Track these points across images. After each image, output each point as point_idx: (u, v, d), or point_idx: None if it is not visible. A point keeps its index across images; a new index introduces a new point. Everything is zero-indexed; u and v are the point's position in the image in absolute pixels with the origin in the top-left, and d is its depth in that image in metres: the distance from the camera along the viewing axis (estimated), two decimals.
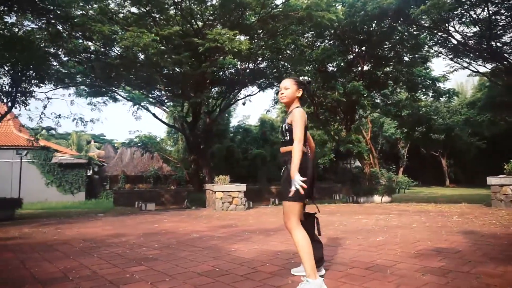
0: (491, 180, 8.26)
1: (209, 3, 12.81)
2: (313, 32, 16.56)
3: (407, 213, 7.64)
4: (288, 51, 16.30)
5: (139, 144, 18.27)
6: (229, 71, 18.17)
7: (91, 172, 24.51)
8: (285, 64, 16.61)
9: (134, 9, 12.29)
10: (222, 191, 9.90)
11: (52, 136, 39.93)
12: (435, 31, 14.20)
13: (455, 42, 14.47)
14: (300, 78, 2.83)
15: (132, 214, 10.28)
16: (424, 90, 19.26)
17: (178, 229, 5.97)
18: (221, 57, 11.81)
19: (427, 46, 16.05)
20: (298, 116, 2.50)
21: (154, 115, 15.14)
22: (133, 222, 7.32)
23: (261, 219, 7.43)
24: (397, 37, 16.12)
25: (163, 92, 16.15)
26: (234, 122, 32.23)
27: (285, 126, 2.60)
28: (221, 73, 17.88)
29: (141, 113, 21.11)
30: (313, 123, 23.04)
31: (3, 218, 10.95)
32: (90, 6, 10.99)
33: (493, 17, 13.15)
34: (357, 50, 17.57)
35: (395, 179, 30.70)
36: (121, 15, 12.26)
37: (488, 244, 3.89)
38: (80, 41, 12.65)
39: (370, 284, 2.57)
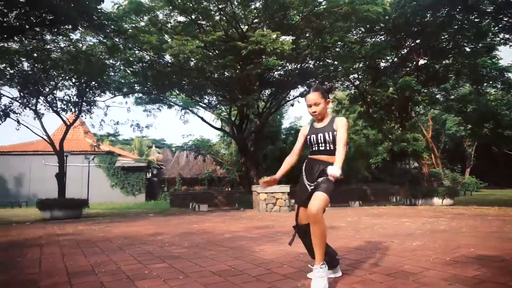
0: None
1: (252, 6, 12.94)
2: (362, 28, 15.99)
3: (461, 216, 6.99)
4: (336, 49, 15.87)
5: (192, 148, 18.99)
6: (278, 72, 18.20)
7: (150, 175, 26.02)
8: (334, 62, 16.20)
9: (181, 18, 12.84)
10: (266, 193, 9.90)
11: (117, 141, 43.19)
12: (500, 16, 12.86)
13: None
14: (319, 85, 2.76)
15: (181, 214, 10.70)
16: (491, 82, 17.56)
17: (215, 229, 6.08)
18: (265, 59, 11.83)
19: (491, 34, 14.58)
20: (346, 124, 2.61)
21: (202, 119, 15.66)
22: (176, 222, 7.61)
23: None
24: (456, 27, 14.89)
25: (212, 97, 16.66)
26: (286, 123, 32.10)
27: (332, 133, 2.59)
28: (270, 75, 17.95)
29: (191, 117, 22.19)
30: (366, 122, 22.17)
31: (72, 216, 12.09)
32: (140, 19, 11.70)
33: None
34: (411, 43, 16.56)
35: (461, 180, 28.40)
36: (169, 25, 12.87)
37: None
38: (137, 51, 13.52)
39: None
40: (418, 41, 16.11)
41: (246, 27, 13.56)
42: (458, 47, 15.91)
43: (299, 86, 19.31)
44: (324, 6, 12.03)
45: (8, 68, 13.89)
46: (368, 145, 26.22)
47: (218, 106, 16.01)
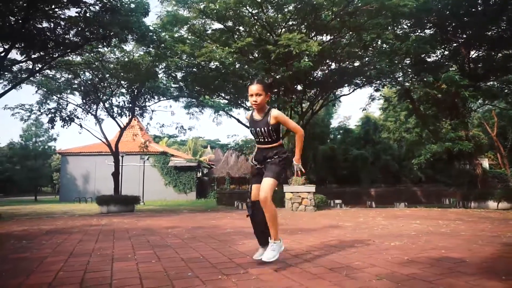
0: None
1: (286, 10, 13.20)
2: (407, 23, 15.40)
3: (484, 220, 6.64)
4: (376, 45, 15.45)
5: (235, 148, 19.74)
6: (322, 72, 18.15)
7: (200, 174, 27.39)
8: (374, 59, 15.78)
9: (218, 25, 13.52)
10: (292, 192, 10.13)
11: (175, 142, 45.85)
12: None
13: None
14: (265, 79, 3.19)
15: (217, 211, 11.33)
16: None
17: (225, 225, 6.53)
18: (295, 62, 12.03)
19: None
20: (282, 114, 2.96)
21: (238, 120, 16.26)
22: (200, 218, 8.21)
23: (316, 220, 7.45)
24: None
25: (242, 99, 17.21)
26: (334, 123, 31.64)
27: (270, 127, 2.93)
28: (312, 75, 17.98)
29: (221, 119, 23.02)
30: (414, 119, 21.11)
31: (125, 211, 13.40)
32: (179, 29, 12.61)
33: None
34: (459, 35, 15.52)
35: None
36: (207, 33, 13.63)
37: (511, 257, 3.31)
38: (178, 59, 14.53)
39: (306, 281, 2.62)
40: (469, 32, 15.06)
41: (282, 30, 13.84)
42: None
43: (346, 85, 19.05)
44: (355, 5, 11.86)
45: (73, 79, 15.80)
46: (421, 144, 24.87)
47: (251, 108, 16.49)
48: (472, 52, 15.87)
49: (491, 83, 17.25)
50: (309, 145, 24.38)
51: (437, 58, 16.63)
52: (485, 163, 26.73)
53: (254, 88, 2.94)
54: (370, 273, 2.83)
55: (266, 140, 2.98)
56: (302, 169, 3.17)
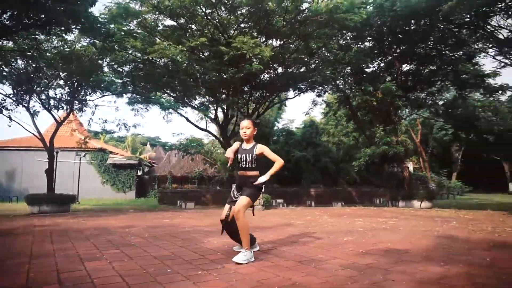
0: None
1: (239, 12, 13.43)
2: (349, 34, 16.51)
3: (415, 217, 7.52)
4: (321, 54, 16.37)
5: (181, 147, 19.47)
6: (267, 75, 18.67)
7: (140, 172, 26.48)
8: (319, 66, 16.71)
9: (170, 22, 13.31)
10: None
11: (112, 139, 43.61)
12: (474, 27, 13.39)
13: (502, 37, 13.48)
14: (254, 119, 3.69)
15: (161, 211, 11.17)
16: (474, 87, 18.08)
17: (182, 224, 6.58)
18: (247, 64, 12.32)
19: (470, 43, 15.12)
20: (267, 148, 3.54)
21: (187, 119, 16.16)
22: (151, 217, 8.10)
23: (266, 218, 7.80)
24: (438, 35, 15.42)
25: (202, 98, 17.13)
26: (279, 126, 32.61)
27: (253, 155, 3.47)
28: (259, 78, 18.44)
29: (171, 117, 22.73)
30: (352, 125, 22.72)
31: (59, 211, 12.53)
32: (129, 23, 12.18)
33: None
34: (394, 50, 17.09)
35: (446, 184, 28.96)
36: (158, 28, 13.33)
37: (445, 247, 3.92)
38: (126, 53, 13.97)
39: (284, 273, 2.88)
40: (403, 47, 16.65)
41: (234, 32, 14.05)
42: (441, 54, 16.44)
43: (290, 89, 19.80)
44: (306, 14, 12.51)
45: (3, 66, 14.37)
46: (357, 148, 26.73)
47: (202, 107, 16.47)
48: (404, 66, 17.56)
49: (418, 94, 19.23)
50: None
51: (374, 69, 18.11)
52: (410, 166, 29.63)
53: (245, 123, 3.55)
54: (334, 264, 3.18)
55: (247, 166, 3.47)
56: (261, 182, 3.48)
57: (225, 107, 15.33)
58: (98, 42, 12.77)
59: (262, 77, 18.55)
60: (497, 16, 12.88)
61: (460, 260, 3.28)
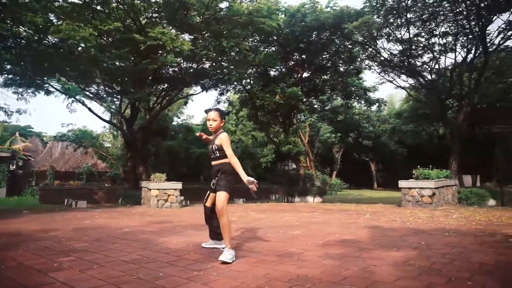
0: (402, 183, 9.41)
1: (153, 0, 12.72)
2: (257, 37, 17.19)
3: (330, 211, 8.43)
4: (232, 54, 16.69)
5: (72, 139, 17.36)
6: (172, 69, 18.07)
7: (14, 166, 22.68)
8: (229, 66, 16.99)
9: None
10: (158, 189, 9.97)
11: None
12: (366, 47, 15.55)
13: (383, 58, 16.00)
14: (222, 109, 3.85)
15: (61, 211, 9.89)
16: (357, 98, 20.85)
17: (110, 224, 6.03)
18: (163, 56, 11.79)
19: (360, 59, 17.48)
20: (225, 139, 3.43)
21: (90, 109, 14.55)
22: (62, 218, 7.16)
23: (194, 216, 7.70)
24: (334, 49, 17.35)
25: (101, 87, 15.59)
26: (178, 121, 31.83)
27: (214, 146, 3.47)
28: (163, 71, 17.72)
29: (76, 106, 20.03)
30: (254, 125, 23.74)
31: None
32: None
33: (415, 39, 14.82)
34: (297, 57, 18.55)
35: (329, 181, 32.69)
36: (57, 3, 11.64)
37: (383, 235, 4.61)
38: (9, 25, 11.79)
39: (278, 267, 3.02)
40: (304, 56, 18.19)
41: (145, 20, 13.23)
42: (335, 66, 18.54)
43: (193, 85, 19.58)
44: (225, 13, 12.62)
45: None
46: (255, 146, 28.01)
47: (105, 96, 15.06)
48: (303, 73, 19.20)
49: (312, 100, 21.28)
50: (149, 140, 23.77)
51: (279, 73, 19.30)
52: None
53: (212, 114, 3.49)
54: (312, 256, 3.46)
55: (213, 156, 3.53)
56: (254, 181, 3.41)
57: (134, 100, 14.28)
58: None
59: (166, 70, 17.92)
60: (382, 39, 15.24)
61: (404, 245, 3.92)
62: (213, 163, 3.54)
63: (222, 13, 12.68)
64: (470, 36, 13.59)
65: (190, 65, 17.54)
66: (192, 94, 22.16)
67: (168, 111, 26.22)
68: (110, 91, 15.15)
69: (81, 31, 9.64)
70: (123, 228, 5.54)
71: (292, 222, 6.21)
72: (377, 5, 12.83)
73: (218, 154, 3.48)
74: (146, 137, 17.97)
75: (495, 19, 12.76)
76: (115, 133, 28.62)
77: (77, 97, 14.10)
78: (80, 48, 12.31)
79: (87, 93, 15.11)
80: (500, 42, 13.02)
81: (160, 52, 12.60)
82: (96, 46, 10.92)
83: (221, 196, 3.36)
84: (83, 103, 14.49)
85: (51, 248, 3.90)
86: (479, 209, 8.99)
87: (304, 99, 16.25)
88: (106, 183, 23.86)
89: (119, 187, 21.51)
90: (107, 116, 18.77)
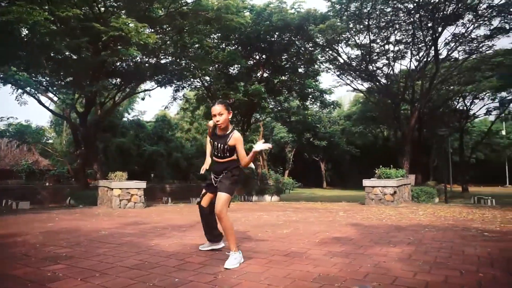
0: (366, 182, 9.85)
1: None
2: (219, 34, 16.95)
3: (300, 210, 8.56)
4: (193, 50, 16.28)
5: (12, 134, 15.78)
6: (127, 63, 17.18)
7: None
8: (190, 62, 16.56)
9: None
10: (120, 188, 9.43)
11: None
12: (327, 49, 16.06)
13: (342, 61, 16.66)
14: (224, 100, 3.58)
15: (8, 213, 8.95)
16: (313, 100, 21.42)
17: (80, 227, 5.56)
18: (124, 48, 11.15)
19: (319, 62, 17.99)
20: (241, 140, 3.18)
21: (39, 101, 13.29)
22: (18, 222, 6.47)
23: (166, 216, 7.40)
24: (295, 50, 17.68)
25: (47, 78, 14.34)
26: (129, 117, 30.41)
27: (227, 146, 3.17)
28: (118, 64, 16.79)
29: (26, 99, 18.05)
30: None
31: None
32: None
33: (371, 44, 15.61)
34: (258, 57, 18.63)
35: (282, 180, 33.34)
36: None
37: (370, 232, 4.77)
38: None
39: (293, 266, 2.98)
40: (264, 56, 18.30)
41: (104, 9, 12.44)
42: (294, 67, 18.89)
43: (147, 80, 18.80)
44: (191, 7, 12.27)
45: None
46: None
47: (59, 89, 13.87)
48: (263, 73, 19.32)
49: (269, 100, 21.48)
50: (102, 137, 22.45)
51: (237, 72, 19.19)
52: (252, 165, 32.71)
53: (217, 109, 3.13)
54: (318, 254, 3.47)
55: (220, 155, 3.25)
56: (267, 146, 3.12)
57: (90, 93, 13.31)
58: None
59: (121, 64, 17.03)
60: (341, 43, 15.85)
61: (397, 241, 4.09)
62: (219, 160, 3.28)
63: (188, 7, 12.33)
64: (422, 45, 14.62)
65: (147, 59, 16.84)
66: (149, 90, 21.28)
67: (119, 106, 24.95)
68: (62, 83, 14.02)
69: (35, 14, 8.77)
70: (98, 230, 5.13)
71: (272, 221, 6.20)
72: (342, 10, 13.29)
73: (228, 155, 3.22)
74: (98, 133, 16.93)
75: (443, 31, 13.87)
76: (58, 127, 26.59)
77: (27, 88, 12.82)
78: (29, 33, 11.21)
79: (39, 85, 13.82)
80: (449, 53, 14.19)
81: (121, 44, 11.91)
82: (50, 32, 10.01)
83: (223, 198, 3.17)
84: (34, 96, 13.22)
85: (31, 255, 3.49)
86: (434, 206, 9.71)
87: (267, 97, 16.33)
88: (48, 182, 22.09)
89: (66, 186, 20.07)
90: (56, 109, 17.29)
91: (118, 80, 18.25)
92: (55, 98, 13.82)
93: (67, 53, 12.98)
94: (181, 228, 5.39)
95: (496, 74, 18.76)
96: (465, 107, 23.87)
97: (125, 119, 29.12)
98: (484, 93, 22.88)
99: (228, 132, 3.19)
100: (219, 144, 3.20)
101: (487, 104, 24.40)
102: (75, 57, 12.31)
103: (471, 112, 24.69)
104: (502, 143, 35.57)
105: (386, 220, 6.14)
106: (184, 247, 3.87)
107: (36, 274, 2.78)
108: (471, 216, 6.67)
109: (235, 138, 3.15)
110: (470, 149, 29.50)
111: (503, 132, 33.93)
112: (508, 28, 14.35)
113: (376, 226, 5.41)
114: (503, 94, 23.00)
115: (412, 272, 2.76)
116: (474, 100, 23.75)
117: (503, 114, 26.02)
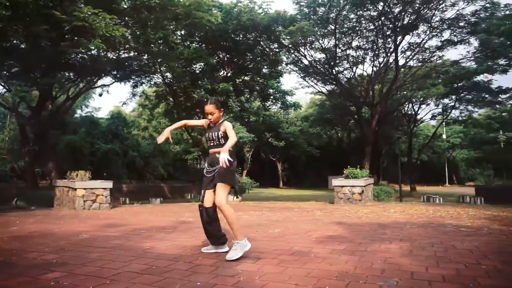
0: (335, 182, 10.15)
1: None
2: (185, 31, 16.52)
3: (275, 209, 8.60)
4: (156, 45, 15.72)
5: None
6: (82, 55, 16.15)
7: None
8: (152, 58, 15.98)
9: None
10: (85, 188, 8.83)
11: None
12: (292, 51, 16.34)
13: (307, 63, 17.06)
14: (215, 98, 3.97)
15: None
16: (274, 101, 21.71)
17: (53, 230, 5.12)
18: (87, 40, 10.48)
19: (284, 63, 18.25)
20: (230, 124, 3.48)
21: None
22: None
23: (141, 217, 7.06)
24: (259, 51, 17.76)
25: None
26: (82, 113, 28.66)
27: (220, 133, 3.39)
28: (73, 56, 15.71)
29: None
30: (170, 122, 22.82)
31: None
32: None
33: (333, 49, 16.15)
34: (222, 56, 18.47)
35: (240, 180, 33.39)
36: None
37: (358, 231, 4.92)
38: None
39: (309, 265, 2.97)
40: (229, 55, 18.19)
41: None
42: (258, 68, 18.99)
43: (105, 75, 17.88)
44: (158, 1, 11.82)
45: None
46: (167, 143, 26.91)
47: (11, 81, 12.70)
48: (226, 72, 19.22)
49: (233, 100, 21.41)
50: (50, 133, 20.90)
51: (201, 70, 18.90)
52: None
53: (209, 108, 3.45)
54: (324, 252, 3.51)
55: (215, 143, 3.42)
56: (229, 159, 3.18)
57: (46, 86, 12.29)
58: None
59: (75, 56, 15.98)
60: (306, 46, 16.22)
61: (389, 238, 4.25)
62: (214, 150, 3.42)
63: (156, 1, 11.85)
64: (381, 52, 15.40)
65: (105, 53, 15.96)
66: (107, 85, 20.22)
67: (76, 103, 23.45)
68: (7, 74, 12.84)
69: None
70: (76, 234, 4.75)
71: (256, 221, 6.16)
72: (309, 13, 13.59)
73: (223, 142, 3.36)
74: (49, 130, 15.73)
75: (401, 40, 14.74)
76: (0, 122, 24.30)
77: None
78: None
79: None
80: (407, 61, 15.11)
81: (86, 35, 11.14)
82: (3, 17, 9.11)
83: (222, 188, 3.27)
84: None
85: (13, 263, 3.15)
86: (399, 204, 10.28)
87: (234, 96, 16.24)
88: None
89: (10, 186, 18.42)
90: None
91: (71, 74, 17.13)
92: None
93: (15, 41, 11.96)
94: (166, 230, 5.17)
95: (442, 82, 20.36)
96: (413, 112, 25.58)
97: (77, 115, 27.41)
98: (430, 99, 24.71)
99: (219, 122, 3.49)
100: (213, 133, 3.42)
101: (432, 109, 26.40)
102: (23, 46, 11.32)
103: (418, 117, 26.55)
104: (443, 145, 38.60)
105: (364, 218, 6.37)
106: (183, 249, 3.71)
107: (35, 285, 2.50)
108: (439, 213, 7.13)
109: (224, 124, 3.44)
110: (417, 151, 31.65)
111: (444, 136, 36.91)
112: (456, 40, 15.63)
113: (359, 224, 5.59)
114: (446, 100, 25.04)
115: (423, 267, 2.89)
116: (421, 106, 25.55)
117: (446, 119, 28.23)
